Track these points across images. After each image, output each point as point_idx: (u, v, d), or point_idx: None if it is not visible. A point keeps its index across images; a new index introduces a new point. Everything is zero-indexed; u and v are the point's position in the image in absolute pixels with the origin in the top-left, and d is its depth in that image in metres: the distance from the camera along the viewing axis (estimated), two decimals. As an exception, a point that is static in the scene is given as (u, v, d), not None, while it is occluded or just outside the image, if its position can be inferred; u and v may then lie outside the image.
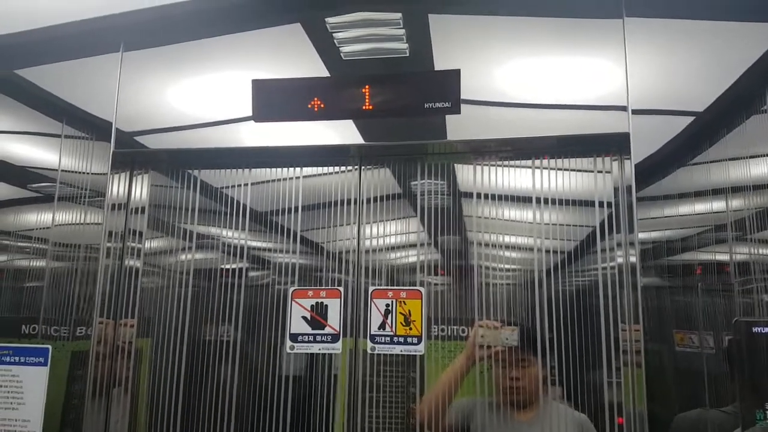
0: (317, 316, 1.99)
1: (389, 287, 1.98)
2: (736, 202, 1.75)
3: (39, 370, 2.01)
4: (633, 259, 1.80)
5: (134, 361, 2.07)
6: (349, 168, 2.09)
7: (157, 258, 2.19)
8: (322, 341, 1.97)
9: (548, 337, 1.85)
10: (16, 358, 2.03)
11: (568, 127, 1.88)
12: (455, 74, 1.95)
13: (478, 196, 1.99)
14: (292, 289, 2.03)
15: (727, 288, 1.72)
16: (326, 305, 1.99)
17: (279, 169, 2.14)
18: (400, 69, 2.02)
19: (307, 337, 1.98)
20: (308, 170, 2.13)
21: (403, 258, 2.03)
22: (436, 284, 1.99)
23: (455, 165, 2.04)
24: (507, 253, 1.96)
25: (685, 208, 1.80)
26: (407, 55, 2.03)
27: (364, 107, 2.00)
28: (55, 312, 2.06)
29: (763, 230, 1.71)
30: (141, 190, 2.19)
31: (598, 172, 1.93)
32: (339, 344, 1.96)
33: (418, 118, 1.98)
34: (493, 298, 1.92)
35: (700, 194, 1.79)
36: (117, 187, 2.16)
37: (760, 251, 1.71)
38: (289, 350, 1.98)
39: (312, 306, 2.00)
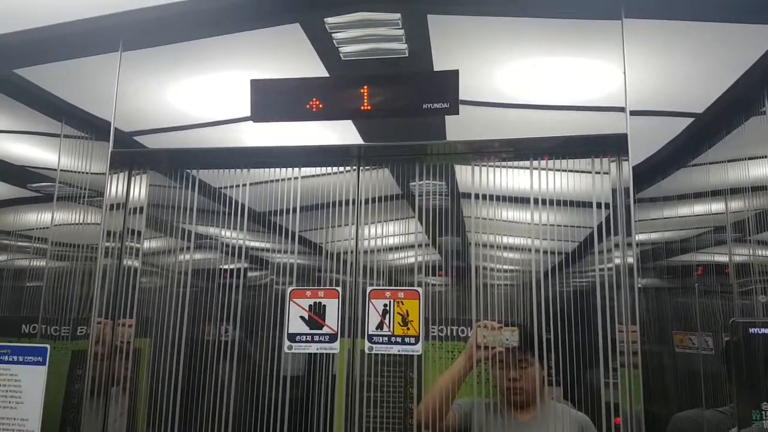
0: (315, 316, 1.99)
1: (387, 287, 1.98)
2: (735, 204, 1.75)
3: (37, 369, 2.02)
4: (630, 260, 1.80)
5: (133, 361, 2.08)
6: (348, 168, 2.10)
7: (155, 258, 2.19)
8: (320, 341, 1.97)
9: (546, 338, 1.85)
10: (15, 357, 2.04)
11: (567, 128, 1.88)
12: (454, 75, 1.94)
13: (477, 196, 1.99)
14: (290, 289, 2.03)
15: (727, 289, 1.72)
16: (324, 305, 2.00)
17: (278, 170, 2.14)
18: (399, 69, 2.02)
19: (305, 337, 1.98)
20: (307, 170, 2.13)
21: (402, 258, 2.03)
22: (434, 285, 1.99)
23: (454, 165, 2.04)
24: (505, 254, 1.96)
25: (684, 210, 1.80)
26: (406, 55, 2.02)
27: (362, 107, 2.00)
28: (54, 311, 2.06)
29: (762, 232, 1.71)
30: (140, 189, 2.20)
31: (596, 173, 1.93)
32: (337, 344, 1.97)
33: (417, 118, 1.98)
34: (492, 298, 1.92)
35: (698, 196, 1.79)
36: (116, 187, 2.16)
37: (759, 252, 1.71)
38: (287, 350, 1.99)
39: (310, 306, 2.01)
